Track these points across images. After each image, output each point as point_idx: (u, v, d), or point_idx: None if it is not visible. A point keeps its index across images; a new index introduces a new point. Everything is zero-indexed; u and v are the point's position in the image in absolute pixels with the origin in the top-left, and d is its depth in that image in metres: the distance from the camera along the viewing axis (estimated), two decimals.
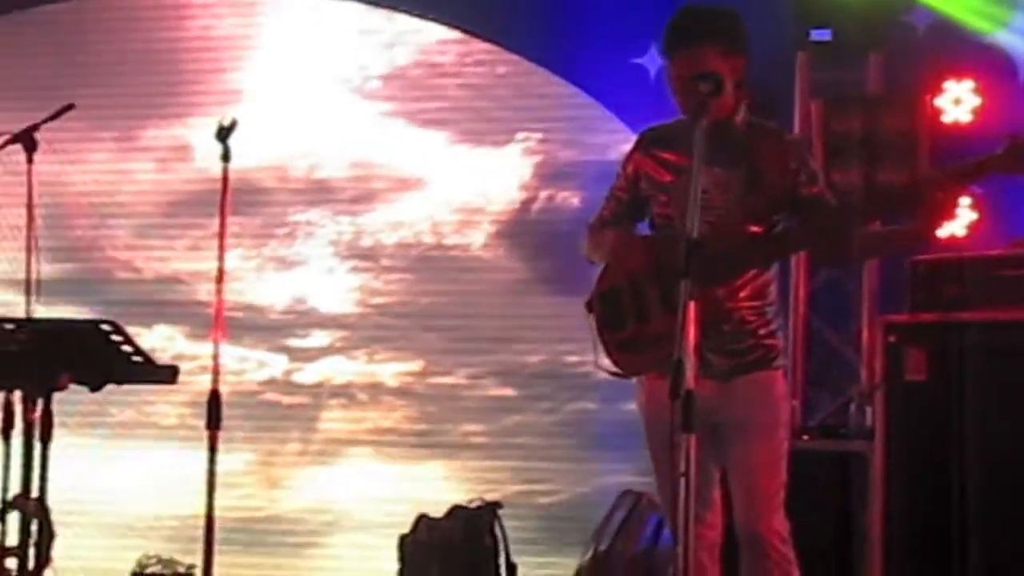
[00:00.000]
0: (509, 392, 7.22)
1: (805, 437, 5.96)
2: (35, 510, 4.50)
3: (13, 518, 4.62)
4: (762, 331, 4.26)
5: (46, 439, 4.42)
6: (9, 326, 4.40)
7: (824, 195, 4.25)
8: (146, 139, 7.72)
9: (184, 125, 7.62)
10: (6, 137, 4.81)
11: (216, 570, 4.46)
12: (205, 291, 7.38)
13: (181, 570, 7.07)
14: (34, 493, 4.52)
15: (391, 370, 7.40)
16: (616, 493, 6.42)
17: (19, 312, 4.66)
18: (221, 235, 4.42)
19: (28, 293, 4.67)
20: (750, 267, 4.20)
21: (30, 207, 4.74)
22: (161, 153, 7.70)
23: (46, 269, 4.85)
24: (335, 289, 7.48)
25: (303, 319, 7.51)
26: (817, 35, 6.54)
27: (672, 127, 4.27)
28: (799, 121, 6.43)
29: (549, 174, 7.29)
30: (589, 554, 6.18)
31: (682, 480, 3.50)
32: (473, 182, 7.36)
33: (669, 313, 3.87)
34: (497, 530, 6.31)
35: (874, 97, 6.44)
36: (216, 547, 4.45)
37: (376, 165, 7.47)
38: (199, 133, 7.37)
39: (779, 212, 4.25)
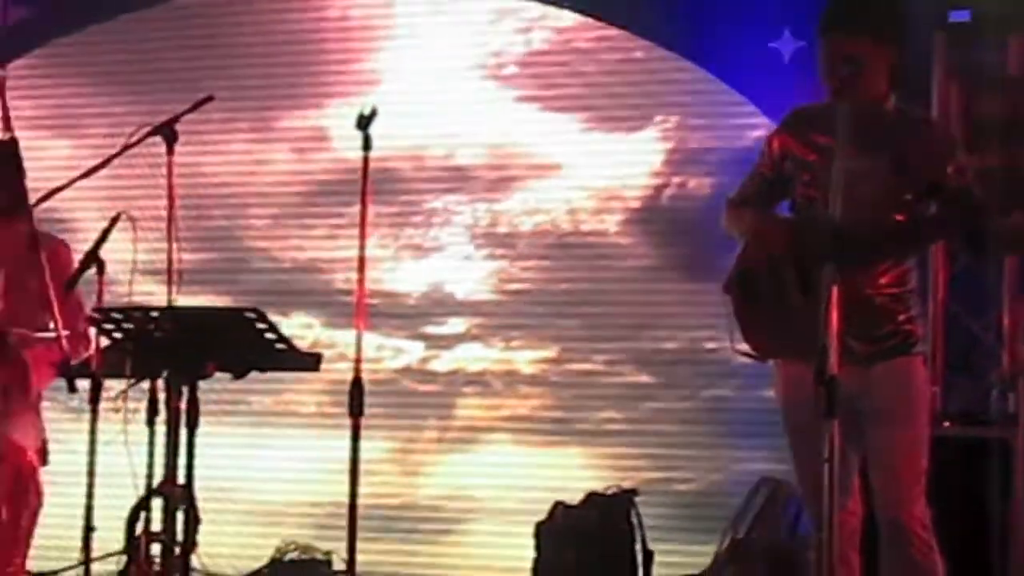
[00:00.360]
0: (645, 379, 7.19)
1: (946, 424, 5.86)
2: (181, 496, 4.57)
3: (158, 504, 4.70)
4: (901, 317, 4.21)
5: (192, 426, 4.49)
6: (155, 314, 4.47)
7: (970, 189, 4.18)
8: (283, 127, 7.80)
9: (321, 112, 7.69)
10: (146, 129, 4.88)
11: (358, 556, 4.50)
12: (342, 279, 7.46)
13: (320, 556, 7.15)
14: (180, 480, 4.59)
15: (527, 357, 7.40)
16: (753, 480, 6.38)
17: (160, 302, 4.74)
18: (362, 224, 4.44)
19: (169, 282, 4.75)
20: (891, 256, 4.15)
21: (171, 198, 4.81)
22: (298, 140, 7.78)
23: (186, 258, 4.93)
24: (471, 276, 7.51)
25: (439, 306, 7.54)
26: (956, 16, 6.41)
27: (821, 108, 4.23)
28: (938, 103, 6.31)
29: (681, 159, 7.24)
30: (727, 541, 6.15)
31: (825, 467, 3.47)
32: (608, 167, 7.33)
33: (807, 297, 3.84)
34: (633, 517, 6.29)
35: (1015, 79, 6.31)
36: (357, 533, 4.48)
37: (512, 151, 7.47)
38: (336, 119, 7.44)
39: (924, 201, 4.18)
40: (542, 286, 7.40)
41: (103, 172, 4.98)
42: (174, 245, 4.78)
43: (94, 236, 4.87)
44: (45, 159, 7.27)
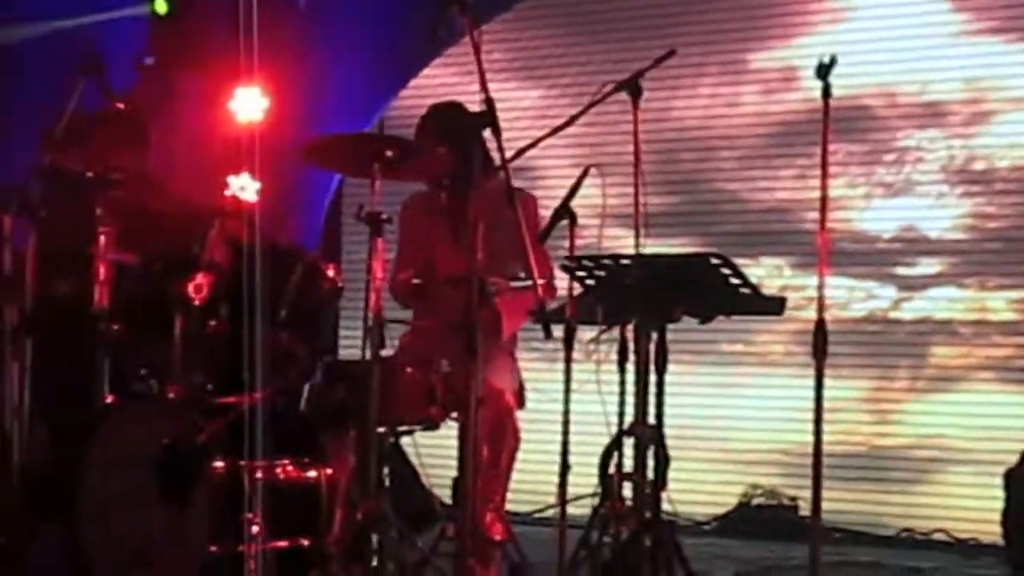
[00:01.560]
0: None
1: None
2: (651, 437, 4.63)
3: (629, 445, 4.77)
4: None
5: (661, 370, 4.53)
6: (625, 262, 4.53)
7: None
8: (752, 67, 7.74)
9: (790, 50, 7.58)
10: (611, 86, 4.93)
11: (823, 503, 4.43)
12: (811, 221, 7.35)
13: (786, 502, 7.12)
14: (650, 421, 4.65)
15: (1003, 298, 7.10)
16: None
17: (628, 248, 4.81)
18: (823, 171, 4.33)
19: (636, 229, 4.81)
20: None
21: (636, 151, 4.85)
22: (766, 81, 7.70)
23: (654, 203, 4.96)
24: (945, 215, 7.25)
25: (911, 247, 7.33)
26: None
27: None
28: None
29: None
30: None
31: None
32: None
33: None
34: None
35: None
36: (822, 480, 4.42)
37: (988, 84, 7.15)
38: (805, 58, 7.31)
39: None
40: (1020, 224, 7.07)
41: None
42: (641, 191, 4.83)
43: (560, 185, 4.97)
44: (517, 108, 7.50)
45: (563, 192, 4.80)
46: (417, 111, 5.66)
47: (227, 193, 6.24)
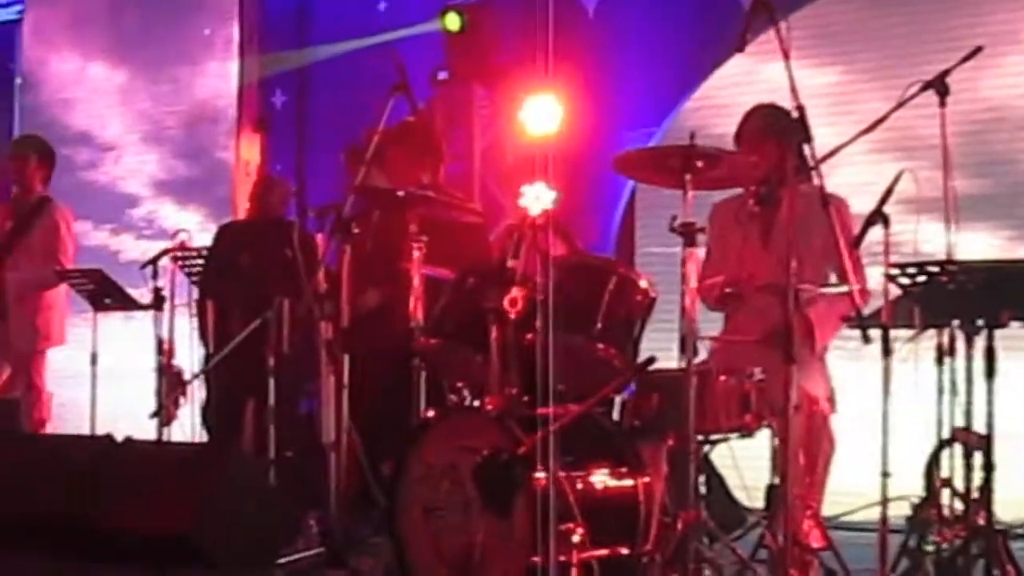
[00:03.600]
0: None
1: None
2: (976, 443, 4.53)
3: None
4: None
5: (990, 375, 4.42)
6: (952, 268, 4.44)
7: None
8: None
9: None
10: (918, 85, 4.85)
11: None
12: None
13: None
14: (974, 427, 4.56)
15: None
16: None
17: (940, 242, 4.72)
18: None
19: (947, 220, 4.73)
20: None
21: (945, 156, 4.77)
22: None
23: (965, 186, 4.82)
24: None
25: None
26: None
27: None
28: None
29: None
30: None
31: None
32: None
33: None
34: None
35: None
36: None
37: None
38: None
39: None
40: None
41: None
42: (950, 184, 4.75)
43: (863, 171, 4.87)
44: (811, 90, 7.35)
45: (863, 179, 4.73)
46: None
47: (521, 203, 6.34)
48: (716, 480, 5.86)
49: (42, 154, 8.04)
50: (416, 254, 5.54)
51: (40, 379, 7.77)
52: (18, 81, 11.08)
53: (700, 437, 4.75)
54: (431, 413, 5.34)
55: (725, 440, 4.91)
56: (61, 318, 7.89)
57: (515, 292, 4.89)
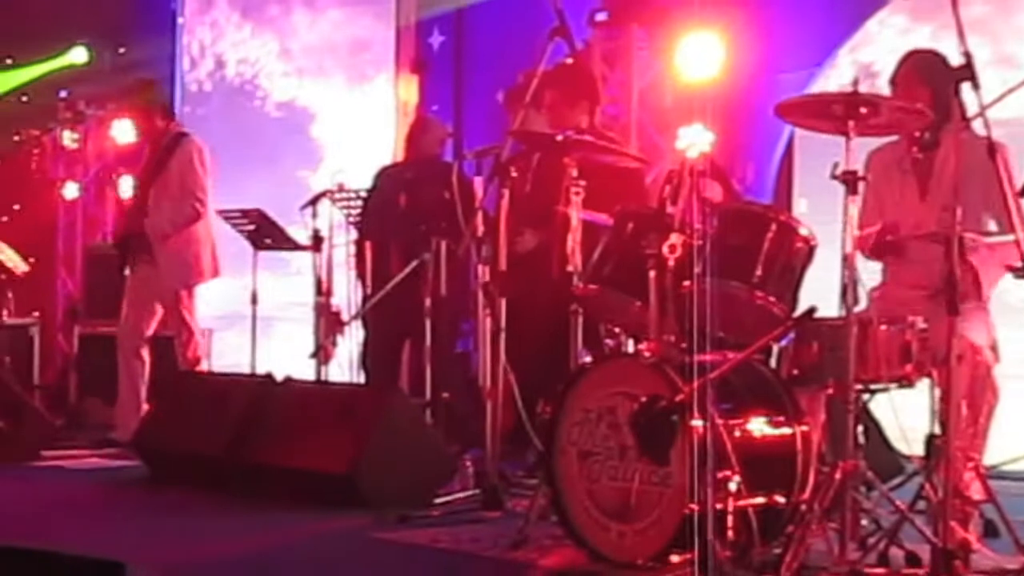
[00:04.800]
0: None
1: None
2: None
3: None
4: None
5: None
6: None
7: None
8: None
9: None
10: None
11: None
12: None
13: None
14: None
15: None
16: None
17: None
18: None
19: None
20: None
21: None
22: None
23: None
24: None
25: None
26: None
27: None
28: None
29: None
30: None
31: None
32: None
33: None
34: None
35: None
36: None
37: None
38: None
39: None
40: None
41: None
42: None
43: None
44: None
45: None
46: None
47: (678, 146, 6.31)
48: (874, 428, 5.81)
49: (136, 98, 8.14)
50: (575, 198, 5.52)
51: (191, 316, 7.83)
52: (180, 21, 11.27)
53: (859, 387, 4.69)
54: (588, 358, 5.35)
55: (885, 390, 4.84)
56: (210, 252, 7.92)
57: (674, 238, 4.86)
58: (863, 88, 4.60)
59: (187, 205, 7.76)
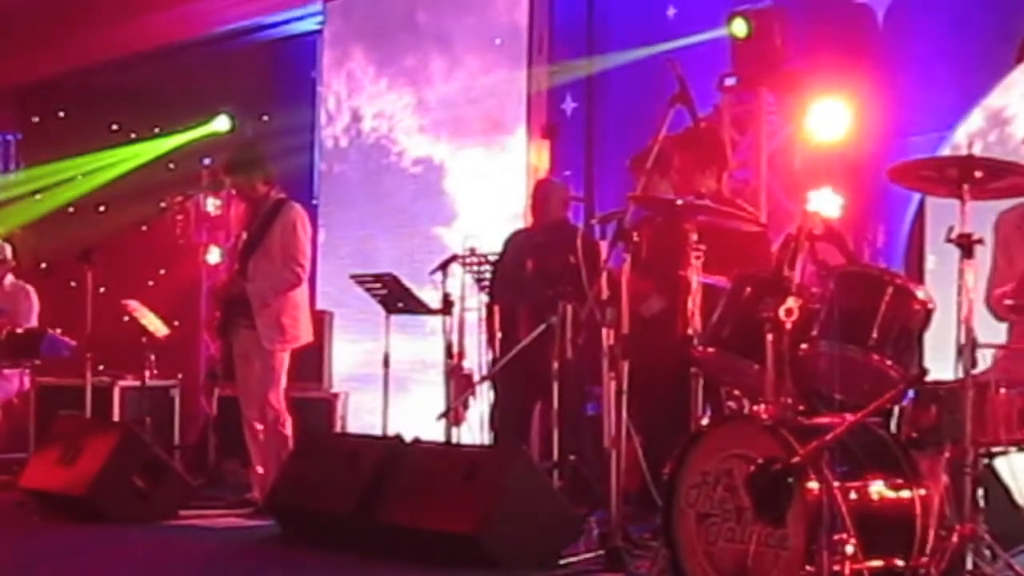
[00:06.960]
0: None
1: None
2: None
3: None
4: None
5: None
6: None
7: None
8: None
9: None
10: None
11: None
12: None
13: None
14: None
15: None
16: None
17: None
18: None
19: None
20: None
21: None
22: None
23: None
24: None
25: None
26: None
27: None
28: None
29: None
30: None
31: None
32: None
33: None
34: None
35: None
36: None
37: None
38: None
39: None
40: None
41: None
42: None
43: None
44: None
45: None
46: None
47: (808, 209, 6.32)
48: (1001, 491, 5.74)
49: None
50: (695, 262, 5.58)
51: (281, 381, 7.82)
52: (319, 90, 11.53)
53: (980, 450, 4.67)
54: (706, 420, 5.38)
55: (1005, 453, 4.81)
56: (306, 317, 7.99)
57: (791, 302, 4.89)
58: (991, 138, 4.59)
59: (289, 271, 7.81)
